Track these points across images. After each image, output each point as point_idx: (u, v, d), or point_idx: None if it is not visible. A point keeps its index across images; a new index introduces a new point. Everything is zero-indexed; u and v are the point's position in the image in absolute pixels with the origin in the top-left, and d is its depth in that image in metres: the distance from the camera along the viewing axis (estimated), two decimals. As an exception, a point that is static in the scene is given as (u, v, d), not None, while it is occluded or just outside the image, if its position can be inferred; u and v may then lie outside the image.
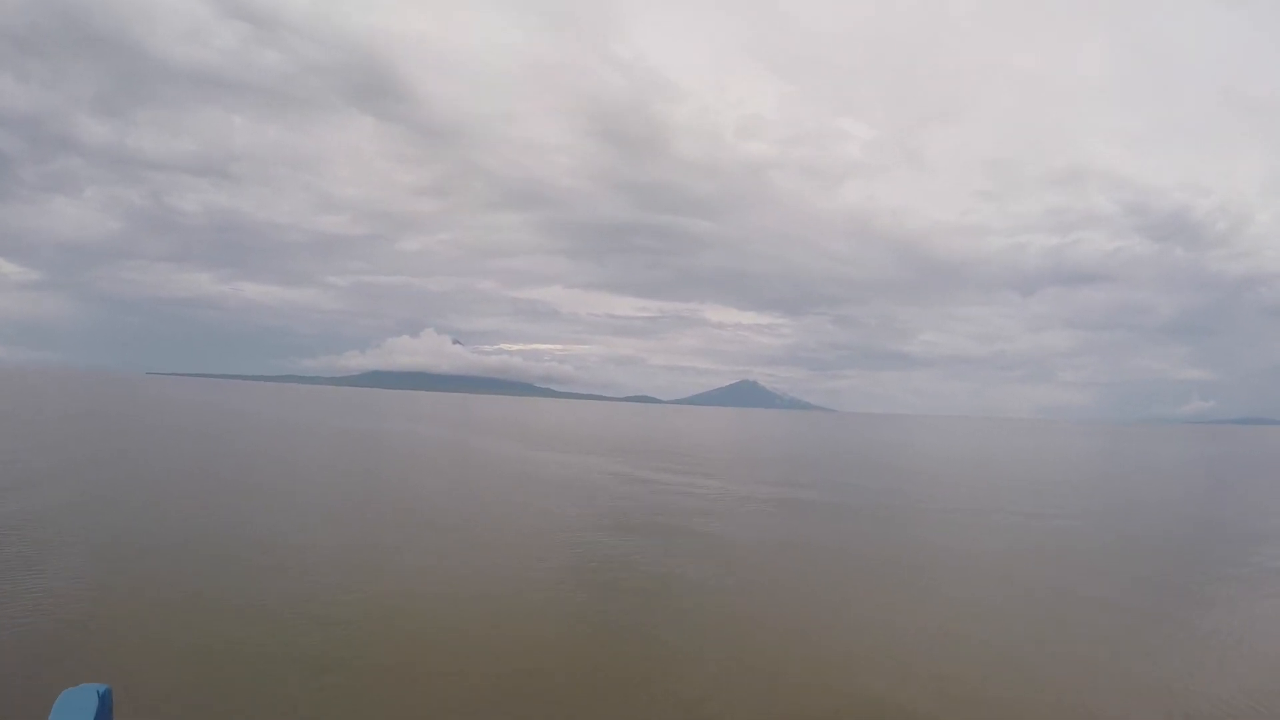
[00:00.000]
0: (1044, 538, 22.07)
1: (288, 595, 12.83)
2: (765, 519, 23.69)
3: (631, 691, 9.70)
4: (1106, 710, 9.57)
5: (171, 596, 12.59)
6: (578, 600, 13.48)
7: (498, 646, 11.02)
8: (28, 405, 67.97)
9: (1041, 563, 18.46)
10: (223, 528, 18.09)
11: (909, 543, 20.63)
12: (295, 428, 57.78)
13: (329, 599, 12.76)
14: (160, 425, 51.92)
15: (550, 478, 31.52)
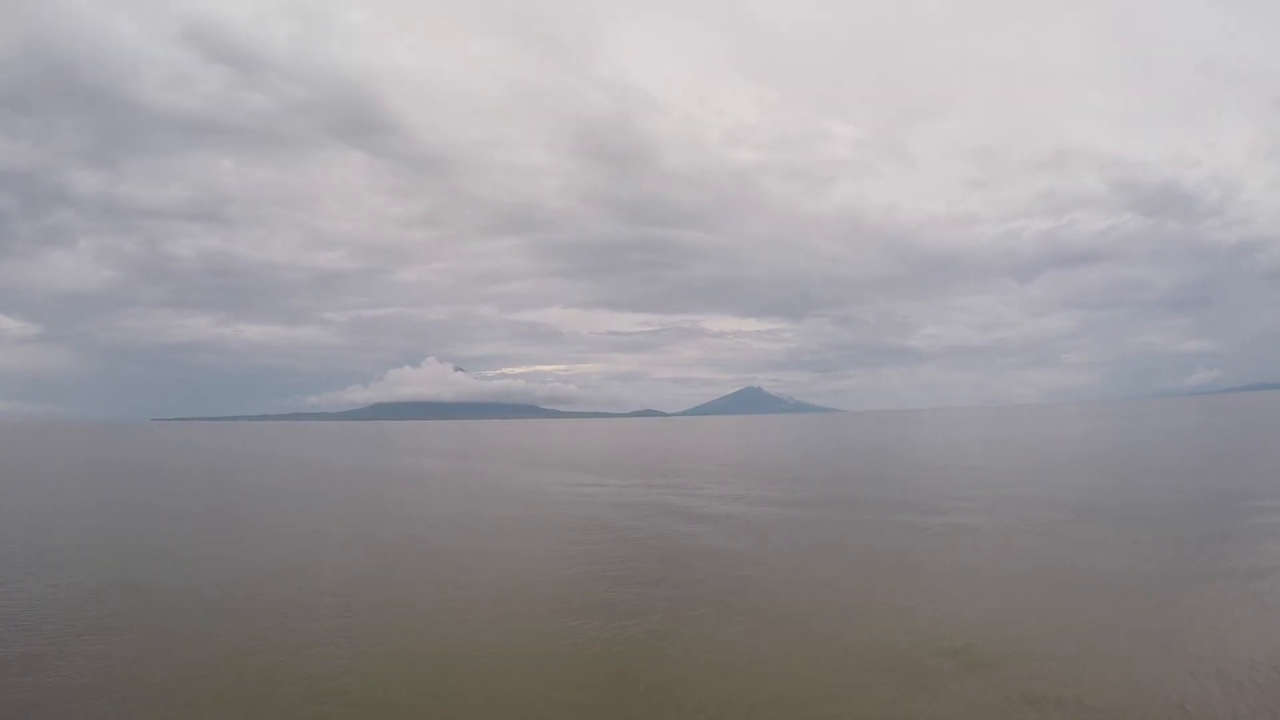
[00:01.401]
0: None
1: (342, 651, 12.22)
2: (814, 533, 22.88)
3: None
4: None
5: (218, 645, 12.46)
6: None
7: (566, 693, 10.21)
8: (42, 460, 67.10)
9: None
10: (269, 576, 17.90)
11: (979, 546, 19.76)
12: (305, 467, 56.83)
13: (381, 650, 12.22)
14: (174, 471, 50.94)
15: (591, 504, 30.65)
